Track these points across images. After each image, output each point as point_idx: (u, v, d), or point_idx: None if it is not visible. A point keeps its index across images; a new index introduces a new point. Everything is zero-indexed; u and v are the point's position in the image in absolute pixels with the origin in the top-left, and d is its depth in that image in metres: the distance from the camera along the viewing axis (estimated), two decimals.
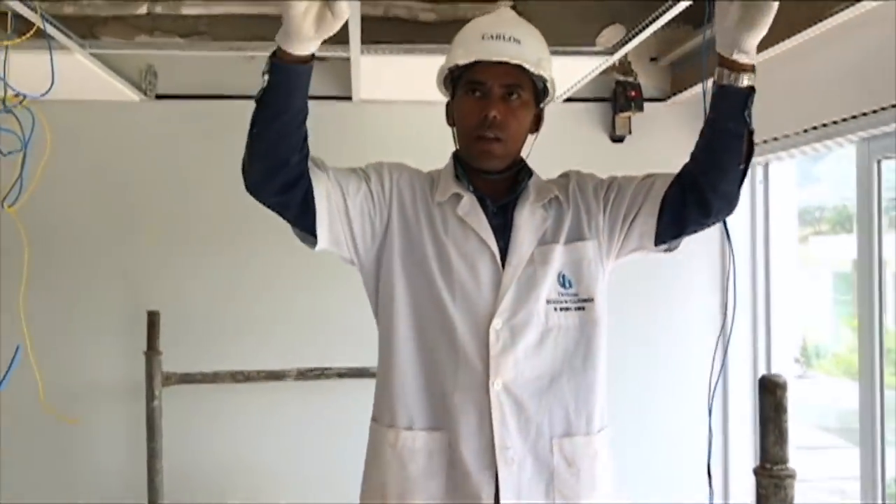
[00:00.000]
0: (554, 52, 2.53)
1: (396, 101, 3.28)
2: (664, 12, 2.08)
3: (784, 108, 2.87)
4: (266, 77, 1.37)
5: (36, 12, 1.78)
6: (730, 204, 1.56)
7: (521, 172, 1.65)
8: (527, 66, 1.53)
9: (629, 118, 3.29)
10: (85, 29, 2.66)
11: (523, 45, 1.54)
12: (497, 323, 1.54)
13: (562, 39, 2.71)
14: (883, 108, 2.29)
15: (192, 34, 2.94)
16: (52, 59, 1.78)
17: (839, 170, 3.52)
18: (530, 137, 1.65)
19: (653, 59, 3.35)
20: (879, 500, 2.47)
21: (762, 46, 2.45)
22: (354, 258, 1.60)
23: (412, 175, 1.66)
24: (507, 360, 1.53)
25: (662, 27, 2.32)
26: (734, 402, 3.32)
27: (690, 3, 2.01)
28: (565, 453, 1.55)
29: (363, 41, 2.39)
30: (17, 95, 1.73)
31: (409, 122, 3.32)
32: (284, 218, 1.55)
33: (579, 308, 1.59)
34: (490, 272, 1.56)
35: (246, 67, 3.24)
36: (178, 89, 3.23)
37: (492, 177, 1.61)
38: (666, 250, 1.65)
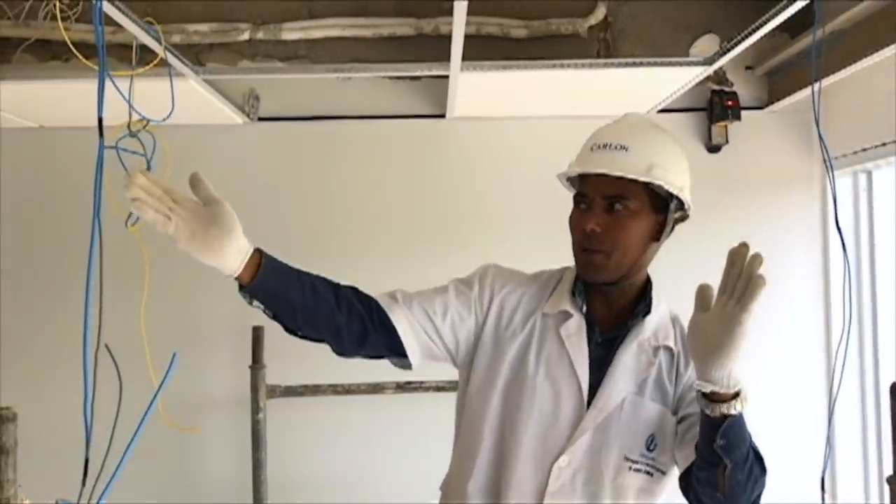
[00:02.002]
0: (650, 64, 2.56)
1: (489, 118, 3.32)
2: (768, 21, 2.06)
3: (889, 113, 2.80)
4: (255, 305, 1.40)
5: (161, 44, 1.89)
6: None
7: (641, 300, 1.54)
8: (630, 175, 1.43)
9: (726, 127, 3.25)
10: (191, 56, 2.79)
11: (631, 152, 1.46)
12: (563, 461, 1.48)
13: (656, 51, 2.71)
14: None
15: (292, 58, 3.05)
16: (171, 85, 1.89)
17: None
18: (654, 246, 1.52)
19: (748, 68, 3.31)
20: None
21: (859, 54, 2.42)
22: (449, 362, 1.61)
23: (522, 284, 1.60)
24: (562, 500, 1.48)
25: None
26: (841, 412, 3.23)
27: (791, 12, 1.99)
28: None
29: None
30: (140, 120, 1.84)
31: (502, 137, 3.36)
32: (380, 357, 1.55)
33: (650, 473, 1.50)
34: (573, 407, 1.49)
35: (343, 89, 3.34)
36: (279, 112, 3.34)
37: (608, 289, 1.52)
38: None
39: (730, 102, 3.18)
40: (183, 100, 2.50)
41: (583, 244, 1.48)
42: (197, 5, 2.77)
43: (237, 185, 3.34)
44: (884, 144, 2.82)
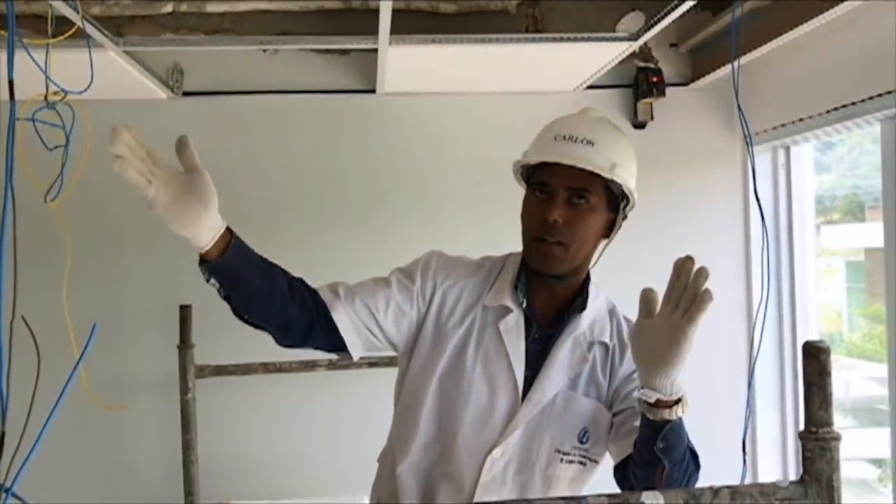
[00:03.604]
0: (578, 39, 2.59)
1: (420, 93, 3.31)
2: None
3: (807, 90, 2.88)
4: (211, 283, 1.35)
5: (77, 12, 1.83)
6: None
7: (579, 296, 1.57)
8: (596, 170, 1.46)
9: (651, 104, 3.31)
10: (112, 29, 2.70)
11: (596, 148, 1.48)
12: (496, 453, 1.52)
13: (584, 27, 2.74)
14: None
15: (217, 32, 2.98)
16: (90, 55, 1.83)
17: (850, 158, 3.53)
18: (603, 244, 1.57)
19: (673, 45, 3.37)
20: None
21: (778, 31, 2.48)
22: (391, 350, 1.61)
23: (464, 275, 1.60)
24: (493, 491, 1.52)
25: (681, 14, 2.35)
26: (760, 373, 3.34)
27: None
28: None
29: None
30: (57, 92, 1.77)
31: (433, 113, 3.36)
32: (323, 350, 1.54)
33: (582, 463, 1.55)
34: (508, 402, 1.53)
35: (270, 63, 3.28)
36: (205, 86, 3.27)
37: (553, 282, 1.54)
38: None
39: (655, 79, 3.24)
40: (104, 73, 2.43)
41: (541, 234, 1.49)
42: None
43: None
44: (801, 120, 2.91)
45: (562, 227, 1.47)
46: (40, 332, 1.22)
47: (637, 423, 1.45)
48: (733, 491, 0.92)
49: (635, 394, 1.35)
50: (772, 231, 3.36)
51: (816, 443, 0.92)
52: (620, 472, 1.50)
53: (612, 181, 1.49)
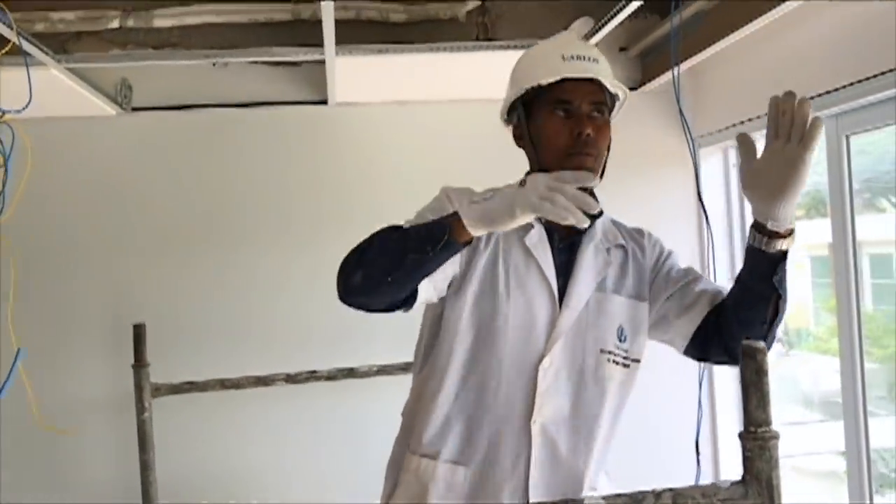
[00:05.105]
0: (528, 46, 2.59)
1: (372, 103, 3.30)
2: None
3: (755, 89, 2.92)
4: (433, 250, 1.35)
5: (11, 28, 1.80)
6: None
7: None
8: (609, 85, 1.56)
9: None
10: (57, 46, 2.66)
11: (601, 65, 1.56)
12: (546, 362, 1.55)
13: (533, 34, 2.75)
14: (851, 84, 2.33)
15: (165, 46, 2.95)
16: (28, 74, 1.80)
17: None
18: None
19: (622, 49, 3.40)
20: (865, 470, 2.52)
21: (723, 33, 2.52)
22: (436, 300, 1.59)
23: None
24: (552, 399, 1.55)
25: (630, 18, 2.36)
26: (719, 381, 3.37)
27: None
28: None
29: (336, 44, 2.42)
30: None
31: (386, 123, 3.35)
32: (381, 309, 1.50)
33: (626, 365, 1.60)
34: (546, 311, 1.56)
35: (220, 76, 3.26)
36: (154, 101, 3.24)
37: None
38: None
39: None
40: (46, 90, 2.40)
41: (576, 149, 1.52)
42: None
43: (113, 177, 3.23)
44: (750, 120, 2.94)
45: (592, 141, 1.53)
46: None
47: (698, 288, 1.59)
48: (675, 494, 0.92)
49: (768, 224, 1.40)
50: (725, 230, 3.40)
51: (755, 442, 0.93)
52: (698, 340, 1.58)
53: (615, 95, 1.59)
